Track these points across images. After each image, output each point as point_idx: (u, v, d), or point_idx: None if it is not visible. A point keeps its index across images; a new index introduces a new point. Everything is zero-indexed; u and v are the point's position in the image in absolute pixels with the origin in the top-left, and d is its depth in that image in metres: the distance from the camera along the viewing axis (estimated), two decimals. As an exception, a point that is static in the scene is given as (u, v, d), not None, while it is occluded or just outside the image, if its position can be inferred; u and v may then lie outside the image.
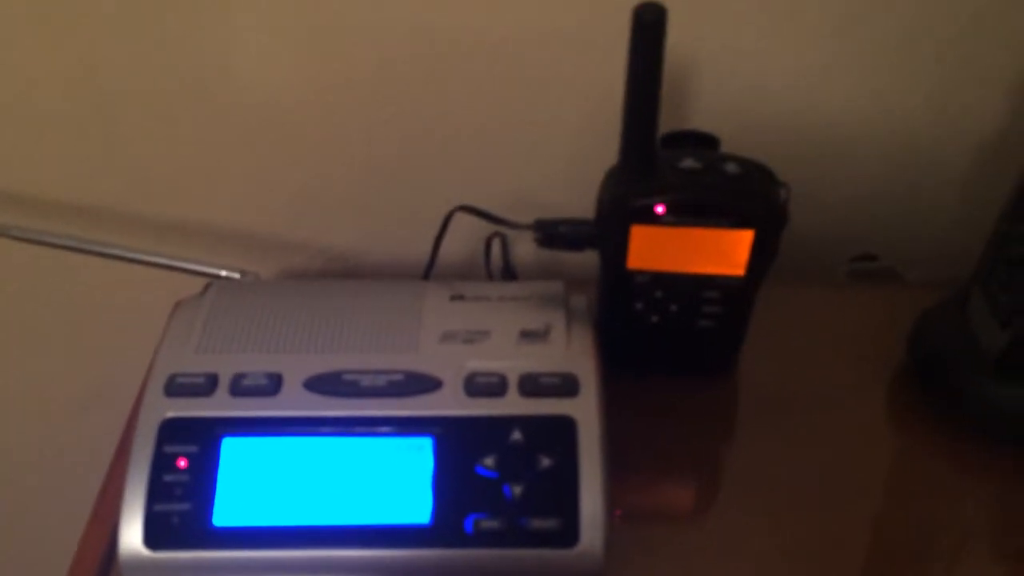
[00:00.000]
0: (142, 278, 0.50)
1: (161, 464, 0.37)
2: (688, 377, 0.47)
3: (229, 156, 0.53)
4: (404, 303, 0.43)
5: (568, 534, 0.36)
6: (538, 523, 0.36)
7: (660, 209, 0.39)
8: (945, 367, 0.45)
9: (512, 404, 0.38)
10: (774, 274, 0.42)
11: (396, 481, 0.37)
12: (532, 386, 0.39)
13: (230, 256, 0.57)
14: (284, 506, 0.36)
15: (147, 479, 0.36)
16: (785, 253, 0.41)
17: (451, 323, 0.42)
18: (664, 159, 0.40)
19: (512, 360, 0.39)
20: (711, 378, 0.47)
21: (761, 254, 0.41)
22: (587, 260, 0.43)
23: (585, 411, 0.38)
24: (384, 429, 0.38)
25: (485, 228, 0.49)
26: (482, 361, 0.40)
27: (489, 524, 0.36)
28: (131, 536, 0.36)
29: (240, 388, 0.38)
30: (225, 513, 0.36)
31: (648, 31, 0.34)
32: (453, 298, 0.43)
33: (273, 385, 0.39)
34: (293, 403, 0.38)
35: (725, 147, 0.43)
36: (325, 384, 0.39)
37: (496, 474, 0.37)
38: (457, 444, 0.37)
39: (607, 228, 0.41)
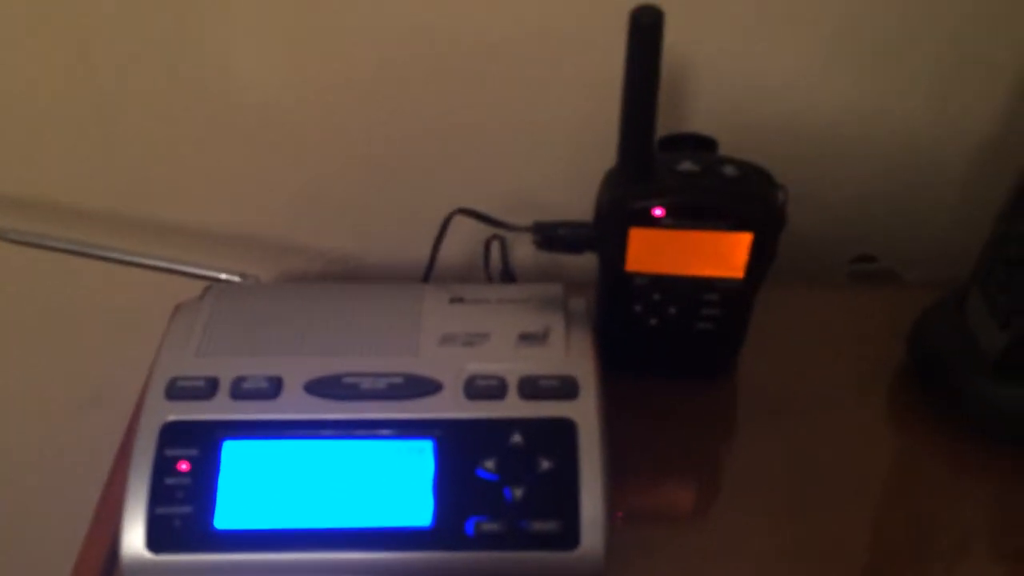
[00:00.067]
0: (142, 281, 0.50)
1: (162, 467, 0.37)
2: (687, 379, 0.47)
3: (228, 158, 0.53)
4: (404, 306, 0.43)
5: (569, 536, 0.36)
6: (539, 525, 0.36)
7: (659, 212, 0.40)
8: (944, 367, 0.45)
9: (512, 407, 0.38)
10: (773, 275, 0.42)
11: (397, 484, 0.37)
12: (532, 389, 0.39)
13: (229, 259, 0.57)
14: (285, 509, 0.37)
15: (149, 482, 0.36)
16: (784, 254, 0.42)
17: (451, 326, 0.42)
18: (662, 162, 0.40)
19: (511, 363, 0.40)
20: (711, 380, 0.47)
21: (760, 256, 0.41)
22: (586, 263, 0.43)
23: (585, 413, 0.38)
24: (384, 432, 0.38)
25: (484, 231, 0.49)
26: (482, 364, 0.40)
27: (490, 527, 0.36)
28: (133, 539, 0.36)
29: (240, 391, 0.38)
30: (226, 516, 0.36)
31: (645, 34, 0.34)
32: (452, 301, 0.43)
33: (273, 388, 0.39)
34: (293, 406, 0.38)
35: (723, 149, 0.43)
36: (325, 387, 0.39)
37: (496, 477, 0.37)
38: (457, 447, 0.37)
39: (606, 231, 0.41)
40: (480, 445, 0.37)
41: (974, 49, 0.49)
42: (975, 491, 0.43)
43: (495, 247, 0.53)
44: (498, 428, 0.38)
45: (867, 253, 0.58)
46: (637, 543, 0.39)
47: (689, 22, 0.45)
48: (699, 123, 0.50)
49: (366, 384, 0.39)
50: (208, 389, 0.39)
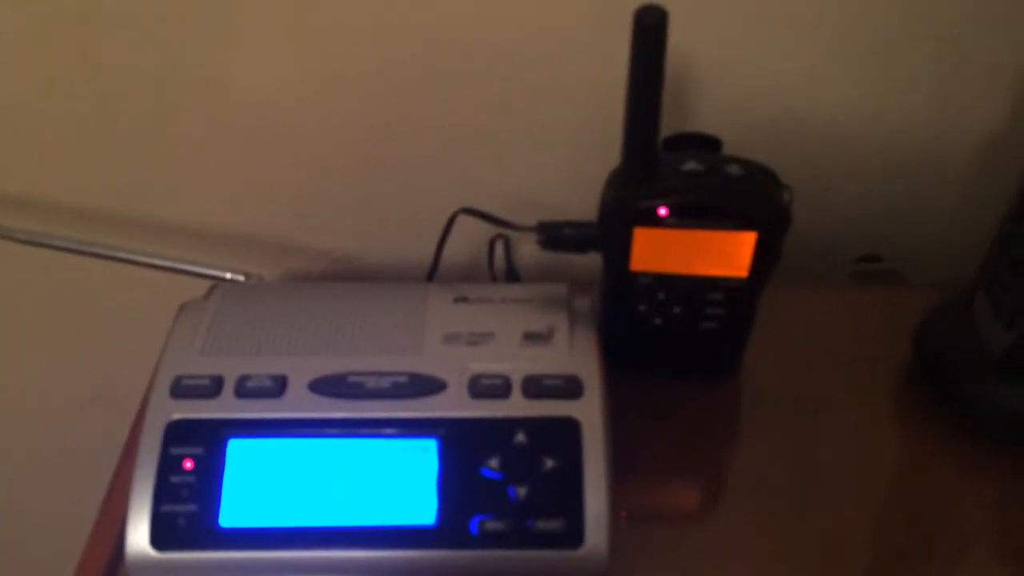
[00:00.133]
0: (146, 280, 0.51)
1: (167, 466, 0.37)
2: (692, 379, 0.47)
3: (230, 158, 0.53)
4: (408, 305, 0.43)
5: (573, 535, 0.36)
6: (543, 524, 0.36)
7: (663, 211, 0.40)
8: (949, 368, 0.45)
9: (516, 406, 0.38)
10: (778, 275, 0.42)
11: (401, 482, 0.37)
12: (536, 388, 0.39)
13: (234, 258, 0.57)
14: (290, 507, 0.37)
15: (154, 480, 0.36)
16: (788, 254, 0.42)
17: (455, 325, 0.42)
18: (666, 161, 0.40)
19: (516, 362, 0.40)
20: (715, 379, 0.47)
21: (764, 256, 0.41)
22: (590, 262, 0.43)
23: (589, 413, 0.38)
24: (389, 431, 0.38)
25: (488, 230, 0.49)
26: (486, 363, 0.40)
27: (494, 525, 0.36)
28: (138, 537, 0.36)
29: (245, 390, 0.39)
30: (231, 514, 0.36)
31: (649, 33, 0.34)
32: (457, 300, 0.43)
33: (278, 387, 0.39)
34: (298, 405, 0.38)
35: (727, 149, 0.43)
36: (330, 386, 0.39)
37: (501, 475, 0.37)
38: (461, 445, 0.37)
39: (610, 230, 0.41)
40: (484, 444, 0.37)
41: (974, 49, 0.49)
42: (979, 491, 0.43)
43: (499, 246, 0.54)
44: (502, 427, 0.38)
45: (872, 253, 0.58)
46: (640, 542, 0.39)
47: (693, 22, 0.45)
48: (703, 123, 0.50)
49: (370, 383, 0.39)
50: (213, 388, 0.39)
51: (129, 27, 0.47)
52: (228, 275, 0.48)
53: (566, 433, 0.37)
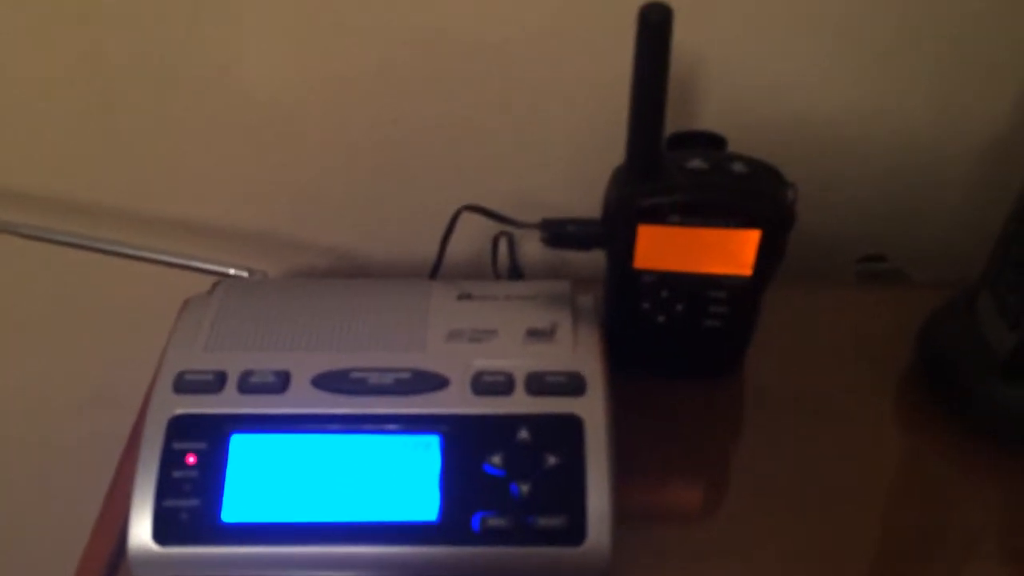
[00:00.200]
0: (150, 276, 0.51)
1: (170, 460, 0.37)
2: (694, 377, 0.47)
3: (233, 155, 0.53)
4: (411, 302, 0.43)
5: (575, 532, 0.36)
6: (545, 521, 0.36)
7: (667, 209, 0.39)
8: (953, 368, 0.45)
9: (519, 403, 0.38)
10: (781, 274, 0.42)
11: (404, 478, 0.37)
12: (539, 385, 0.39)
13: (237, 254, 0.57)
14: (292, 502, 0.37)
15: (156, 475, 0.36)
16: (792, 253, 0.41)
17: (458, 322, 0.42)
18: (671, 159, 0.40)
19: (519, 359, 0.40)
20: (717, 378, 0.47)
21: (769, 254, 0.41)
22: (594, 259, 0.43)
23: (592, 410, 0.38)
24: (391, 427, 0.38)
25: (492, 227, 0.49)
26: (489, 360, 0.40)
27: (496, 522, 0.36)
28: (140, 531, 0.36)
29: (248, 385, 0.39)
30: (234, 509, 0.36)
31: (654, 31, 0.34)
32: (460, 297, 0.43)
33: (281, 382, 0.39)
34: (301, 400, 0.38)
35: (732, 147, 0.43)
36: (333, 382, 0.39)
37: (503, 472, 0.37)
38: (464, 442, 0.37)
39: (614, 228, 0.41)
40: (487, 441, 0.37)
41: (975, 48, 0.49)
42: (983, 492, 0.43)
43: (503, 244, 0.54)
44: (505, 424, 0.38)
45: (875, 252, 0.58)
46: (643, 540, 0.39)
47: (698, 19, 0.45)
48: (707, 121, 0.50)
49: (373, 379, 0.39)
50: (216, 383, 0.39)
51: (131, 27, 0.47)
52: (232, 271, 0.48)
53: (569, 430, 0.37)
